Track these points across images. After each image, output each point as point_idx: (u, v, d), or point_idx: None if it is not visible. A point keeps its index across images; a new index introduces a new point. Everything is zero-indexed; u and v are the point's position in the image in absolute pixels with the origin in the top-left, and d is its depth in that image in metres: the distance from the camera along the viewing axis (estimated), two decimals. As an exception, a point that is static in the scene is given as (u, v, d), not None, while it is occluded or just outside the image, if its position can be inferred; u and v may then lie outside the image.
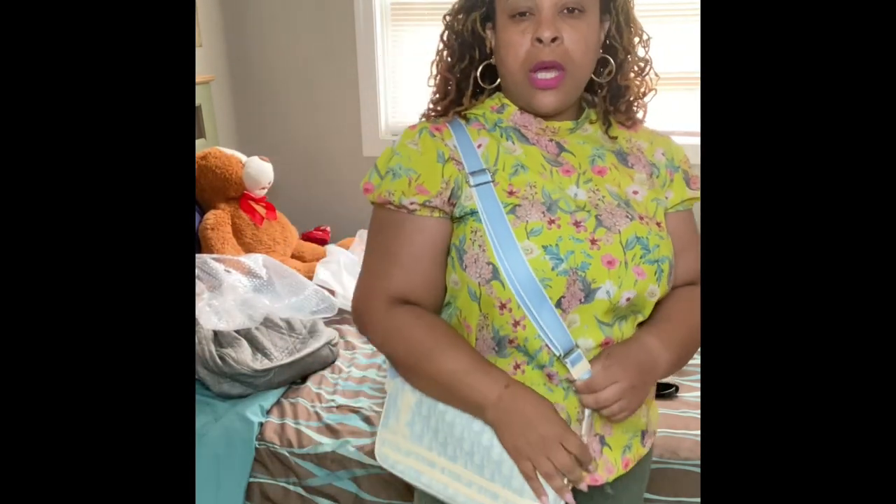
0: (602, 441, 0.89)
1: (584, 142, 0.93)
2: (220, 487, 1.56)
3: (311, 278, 2.28)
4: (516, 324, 0.83)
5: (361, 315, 0.89)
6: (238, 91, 2.99)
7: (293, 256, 2.58)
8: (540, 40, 0.83)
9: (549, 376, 0.86)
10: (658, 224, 0.90)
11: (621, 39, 0.92)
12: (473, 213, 0.85)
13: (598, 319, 0.85)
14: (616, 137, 0.95)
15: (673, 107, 2.68)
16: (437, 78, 0.94)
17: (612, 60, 0.92)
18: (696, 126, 2.62)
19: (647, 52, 0.95)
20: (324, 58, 2.88)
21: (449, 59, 0.93)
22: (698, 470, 1.47)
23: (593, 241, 0.83)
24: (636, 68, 0.94)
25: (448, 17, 0.93)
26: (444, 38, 0.93)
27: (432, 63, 0.95)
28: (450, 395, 0.84)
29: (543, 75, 0.85)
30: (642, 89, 0.96)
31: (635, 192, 0.91)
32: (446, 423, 0.85)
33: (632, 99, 0.95)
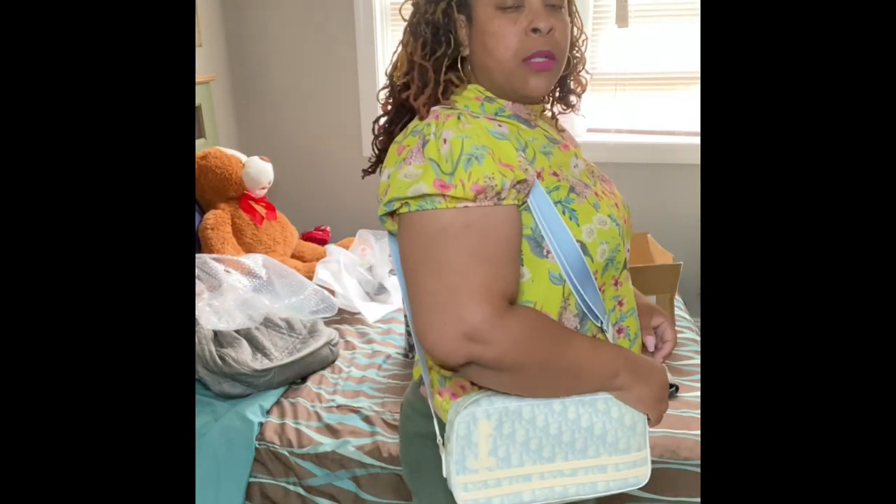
0: None
1: (545, 125, 0.97)
2: (220, 487, 1.56)
3: (311, 278, 2.28)
4: (600, 288, 0.89)
5: (476, 333, 0.76)
6: (238, 91, 2.99)
7: (293, 256, 2.58)
8: (536, 30, 0.84)
9: (619, 330, 0.94)
10: None
11: (573, 38, 0.96)
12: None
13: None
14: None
15: (673, 106, 2.69)
16: (416, 69, 0.89)
17: (569, 57, 0.96)
18: (696, 126, 2.62)
19: (584, 52, 1.00)
20: (324, 58, 2.88)
21: (422, 48, 0.88)
22: (698, 470, 1.47)
23: (616, 206, 0.91)
24: (580, 67, 1.00)
25: (415, 6, 0.91)
26: (413, 28, 0.90)
27: (401, 57, 0.92)
28: (582, 379, 0.84)
29: (537, 60, 0.86)
30: (580, 86, 1.02)
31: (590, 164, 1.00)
32: (538, 428, 0.84)
33: (577, 94, 1.01)
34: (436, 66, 0.88)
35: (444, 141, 0.79)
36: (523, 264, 0.84)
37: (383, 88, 0.95)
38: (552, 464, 0.85)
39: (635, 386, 0.85)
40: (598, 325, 0.89)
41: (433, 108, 0.86)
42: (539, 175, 0.84)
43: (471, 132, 0.80)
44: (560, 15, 0.87)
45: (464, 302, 0.76)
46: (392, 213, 0.83)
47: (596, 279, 0.86)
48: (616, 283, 0.90)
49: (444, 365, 0.85)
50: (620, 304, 0.92)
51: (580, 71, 1.00)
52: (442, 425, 0.91)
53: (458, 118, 0.82)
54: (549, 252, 0.84)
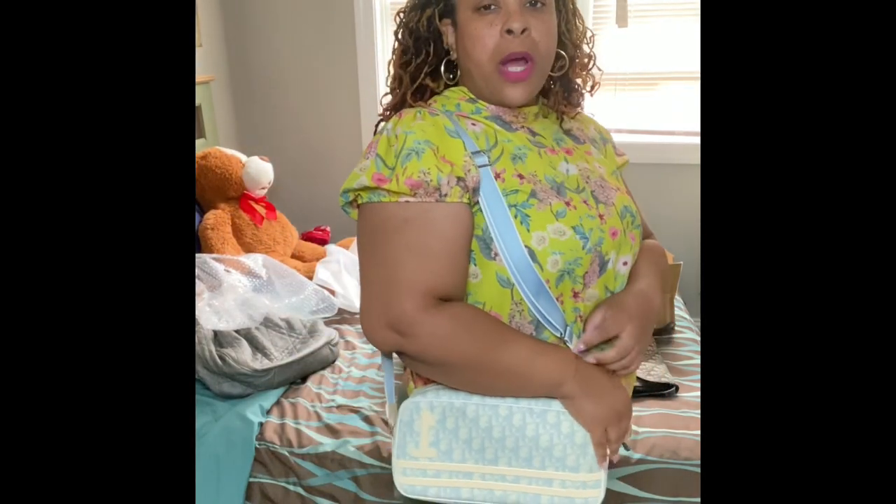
0: None
1: (545, 127, 0.95)
2: (220, 487, 1.56)
3: (311, 278, 2.28)
4: (557, 298, 0.85)
5: (398, 325, 0.79)
6: (238, 91, 2.99)
7: (293, 256, 2.58)
8: (510, 31, 0.84)
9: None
10: (627, 192, 0.97)
11: (570, 35, 0.94)
12: None
13: (607, 288, 0.89)
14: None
15: (673, 106, 2.69)
16: (395, 77, 0.94)
17: (564, 55, 0.94)
18: (696, 125, 2.62)
19: (591, 49, 0.97)
20: (324, 58, 2.88)
21: (402, 55, 0.92)
22: (698, 470, 1.47)
23: (601, 217, 0.87)
24: (584, 63, 0.97)
25: (401, 15, 0.93)
26: (399, 35, 0.93)
27: (388, 63, 0.96)
28: (522, 382, 0.82)
29: (514, 68, 0.86)
30: (589, 83, 0.99)
31: (600, 167, 0.95)
32: (481, 428, 0.84)
33: (582, 92, 1.00)
34: (414, 73, 0.90)
35: (396, 136, 0.83)
36: (475, 264, 0.85)
37: (386, 94, 0.97)
38: (495, 466, 0.85)
39: (581, 399, 0.82)
40: (558, 335, 0.85)
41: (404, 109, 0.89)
42: (499, 176, 0.83)
43: (418, 128, 0.82)
44: (541, 14, 0.86)
45: (391, 293, 0.79)
46: (357, 204, 0.87)
47: (549, 289, 0.83)
48: (575, 296, 0.86)
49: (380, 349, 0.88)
50: (582, 318, 0.87)
51: (590, 68, 0.98)
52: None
53: (415, 115, 0.85)
54: (496, 254, 0.83)
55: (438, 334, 0.79)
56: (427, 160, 0.80)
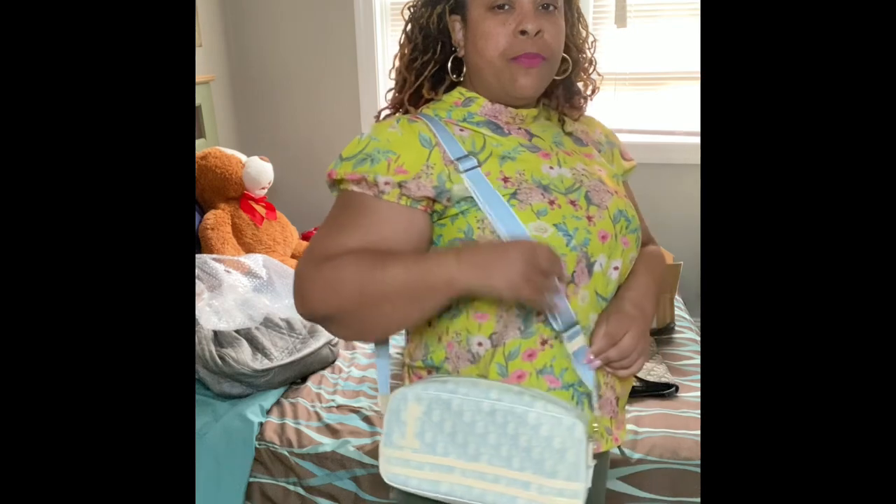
0: (617, 402, 0.95)
1: (545, 129, 0.97)
2: (220, 487, 1.56)
3: (311, 278, 2.28)
4: None
5: (296, 282, 0.83)
6: (238, 91, 2.99)
7: (293, 256, 2.58)
8: (524, 32, 0.85)
9: None
10: (626, 196, 0.97)
11: (575, 40, 0.96)
12: (472, 201, 0.85)
13: (598, 293, 0.89)
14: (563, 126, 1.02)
15: (673, 106, 2.69)
16: (399, 74, 0.95)
17: (568, 59, 0.96)
18: (695, 125, 2.62)
19: (592, 54, 1.00)
20: (324, 57, 2.88)
21: (410, 52, 0.93)
22: (698, 470, 1.47)
23: (589, 218, 0.87)
24: (585, 67, 0.99)
25: (410, 11, 0.95)
26: (408, 31, 0.94)
27: (394, 57, 0.96)
28: (416, 296, 0.80)
29: (526, 59, 0.88)
30: (590, 87, 1.01)
31: (600, 170, 0.96)
32: (464, 422, 0.85)
33: (584, 95, 1.01)
34: (419, 72, 0.92)
35: (362, 137, 0.87)
36: None
37: (391, 90, 0.99)
38: (476, 463, 0.85)
39: (482, 280, 0.77)
40: (558, 328, 0.85)
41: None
42: (486, 178, 0.86)
43: (388, 137, 0.86)
44: (552, 17, 0.88)
45: (301, 261, 0.85)
46: None
47: None
48: (567, 298, 0.86)
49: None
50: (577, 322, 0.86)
51: (590, 73, 1.00)
52: None
53: (392, 122, 0.88)
54: None
55: (322, 284, 0.81)
56: (379, 168, 0.84)
